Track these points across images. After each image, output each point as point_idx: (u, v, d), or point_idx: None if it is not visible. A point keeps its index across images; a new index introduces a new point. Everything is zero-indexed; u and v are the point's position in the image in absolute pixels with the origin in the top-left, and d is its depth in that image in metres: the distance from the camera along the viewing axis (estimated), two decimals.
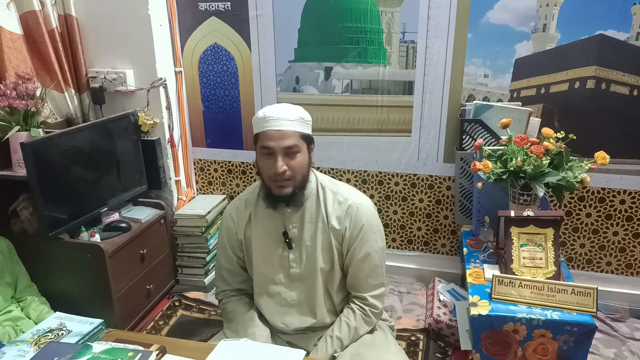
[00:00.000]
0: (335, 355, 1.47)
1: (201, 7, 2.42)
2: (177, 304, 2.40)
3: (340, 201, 1.52)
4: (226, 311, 1.62)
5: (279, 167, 1.39)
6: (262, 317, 1.61)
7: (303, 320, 1.55)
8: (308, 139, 1.47)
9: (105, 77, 2.37)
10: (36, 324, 1.85)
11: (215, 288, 1.74)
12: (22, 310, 1.98)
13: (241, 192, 2.68)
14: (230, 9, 2.39)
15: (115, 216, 2.28)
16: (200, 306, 2.38)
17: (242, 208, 1.60)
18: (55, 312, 1.50)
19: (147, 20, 2.29)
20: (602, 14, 1.97)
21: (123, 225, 2.20)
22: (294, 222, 1.52)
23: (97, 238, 2.08)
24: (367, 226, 1.51)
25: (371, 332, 1.56)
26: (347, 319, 1.51)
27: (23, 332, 1.77)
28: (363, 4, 2.23)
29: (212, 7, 2.41)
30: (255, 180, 2.65)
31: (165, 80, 2.41)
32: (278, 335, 1.59)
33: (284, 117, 1.41)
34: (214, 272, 2.57)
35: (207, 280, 2.53)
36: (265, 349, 1.33)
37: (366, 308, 1.52)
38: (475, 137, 2.06)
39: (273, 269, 1.56)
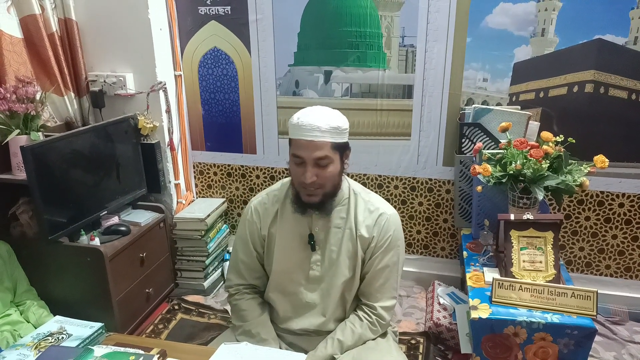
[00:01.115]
0: (336, 357, 1.46)
1: (201, 11, 2.43)
2: (176, 307, 2.40)
3: (372, 210, 1.52)
4: (238, 308, 1.60)
5: (308, 178, 1.38)
6: (273, 313, 1.61)
7: (312, 322, 1.55)
8: (342, 148, 1.44)
9: (105, 81, 2.37)
10: (35, 328, 1.85)
11: (226, 280, 1.70)
12: (21, 314, 1.97)
13: (241, 195, 2.71)
14: (230, 13, 2.40)
15: (115, 220, 2.27)
16: (200, 310, 2.37)
17: (270, 204, 1.57)
18: (54, 315, 1.50)
19: (147, 24, 2.29)
20: (601, 18, 1.99)
21: (122, 228, 2.20)
22: (321, 226, 1.51)
23: (96, 241, 2.08)
24: (394, 238, 1.51)
25: None
26: (353, 325, 1.51)
27: (21, 337, 1.77)
28: (363, 8, 2.24)
29: (212, 11, 2.42)
30: (255, 184, 2.66)
31: (165, 84, 2.42)
32: (281, 336, 1.59)
33: (317, 126, 1.36)
34: (214, 276, 2.58)
35: (206, 283, 2.52)
36: (266, 352, 1.34)
37: (373, 317, 1.52)
38: (474, 140, 2.07)
39: (293, 269, 1.55)
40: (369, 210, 1.52)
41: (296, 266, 1.54)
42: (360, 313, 1.53)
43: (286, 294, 1.57)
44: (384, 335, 1.59)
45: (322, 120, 1.38)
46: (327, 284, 1.53)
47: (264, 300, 1.63)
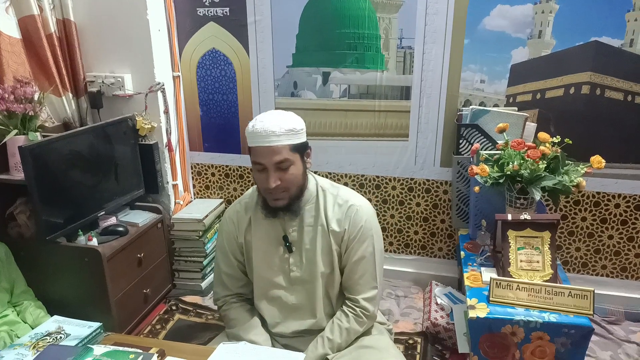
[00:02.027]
0: (329, 357, 1.47)
1: (200, 12, 2.43)
2: (174, 308, 2.40)
3: (340, 204, 1.52)
4: (228, 318, 1.61)
5: (271, 183, 1.39)
6: (262, 320, 1.61)
7: (302, 323, 1.56)
8: (301, 148, 1.44)
9: (103, 82, 2.38)
10: (32, 328, 1.85)
11: (213, 294, 1.72)
12: (18, 315, 1.97)
13: (239, 196, 2.69)
14: (228, 14, 2.41)
15: (113, 220, 2.27)
16: (198, 310, 2.37)
17: (242, 212, 1.59)
18: (52, 316, 1.49)
19: (145, 25, 2.29)
20: (597, 20, 2.00)
21: (120, 229, 2.20)
22: (294, 226, 1.52)
23: (94, 242, 2.07)
24: (365, 228, 1.51)
25: (370, 335, 1.56)
26: (339, 320, 1.52)
27: (18, 337, 1.77)
28: (361, 10, 2.25)
29: (211, 12, 2.42)
30: (253, 185, 2.66)
31: (163, 85, 2.42)
32: (275, 339, 1.59)
33: (272, 131, 1.37)
34: (211, 277, 2.57)
35: (204, 284, 2.52)
36: (265, 351, 1.34)
37: (358, 310, 1.52)
38: (472, 141, 2.08)
39: (274, 273, 1.56)
40: (338, 204, 1.52)
41: (276, 270, 1.55)
42: (345, 308, 1.54)
43: (271, 299, 1.58)
44: (380, 333, 1.59)
45: (276, 125, 1.38)
46: (309, 283, 1.54)
47: (252, 307, 1.64)
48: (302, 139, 1.45)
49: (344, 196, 1.54)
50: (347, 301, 1.55)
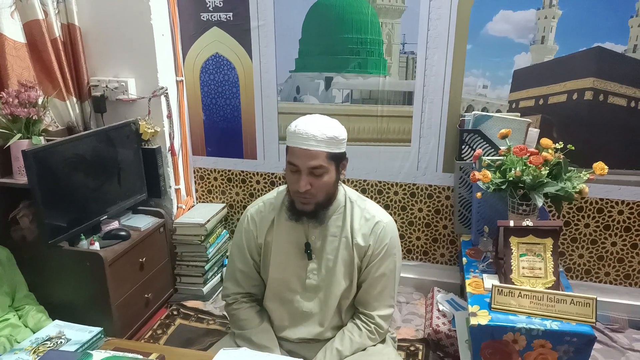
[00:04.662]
0: None
1: (203, 17, 2.45)
2: (175, 313, 2.40)
3: (368, 218, 1.51)
4: (237, 318, 1.59)
5: (302, 187, 1.38)
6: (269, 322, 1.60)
7: (309, 331, 1.54)
8: (338, 158, 1.43)
9: (107, 86, 2.39)
10: (33, 332, 1.85)
11: (223, 289, 1.70)
12: (19, 319, 1.97)
13: (241, 200, 2.71)
14: (232, 19, 2.42)
15: (115, 224, 2.28)
16: (199, 315, 2.37)
17: (266, 212, 1.57)
18: (53, 320, 1.49)
19: (149, 29, 2.31)
20: (600, 26, 2.00)
21: (122, 233, 2.20)
22: (317, 234, 1.51)
23: (96, 246, 2.08)
24: (390, 246, 1.51)
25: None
26: (351, 334, 1.50)
27: (18, 342, 1.77)
28: (364, 15, 2.25)
29: (214, 17, 2.43)
30: (256, 189, 2.66)
31: (166, 89, 2.43)
32: (280, 343, 1.58)
33: (313, 136, 1.36)
34: (213, 281, 2.57)
35: (205, 289, 2.52)
36: (266, 358, 1.33)
37: (372, 326, 1.51)
38: (474, 147, 2.07)
39: (289, 277, 1.54)
40: (365, 219, 1.51)
41: (293, 274, 1.54)
42: (358, 322, 1.53)
43: (283, 302, 1.56)
44: (383, 341, 1.58)
45: (319, 130, 1.37)
46: (324, 293, 1.53)
47: (262, 308, 1.63)
48: (342, 149, 1.44)
49: (371, 211, 1.53)
50: (361, 315, 1.54)
